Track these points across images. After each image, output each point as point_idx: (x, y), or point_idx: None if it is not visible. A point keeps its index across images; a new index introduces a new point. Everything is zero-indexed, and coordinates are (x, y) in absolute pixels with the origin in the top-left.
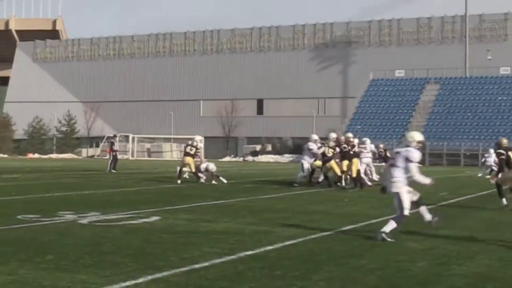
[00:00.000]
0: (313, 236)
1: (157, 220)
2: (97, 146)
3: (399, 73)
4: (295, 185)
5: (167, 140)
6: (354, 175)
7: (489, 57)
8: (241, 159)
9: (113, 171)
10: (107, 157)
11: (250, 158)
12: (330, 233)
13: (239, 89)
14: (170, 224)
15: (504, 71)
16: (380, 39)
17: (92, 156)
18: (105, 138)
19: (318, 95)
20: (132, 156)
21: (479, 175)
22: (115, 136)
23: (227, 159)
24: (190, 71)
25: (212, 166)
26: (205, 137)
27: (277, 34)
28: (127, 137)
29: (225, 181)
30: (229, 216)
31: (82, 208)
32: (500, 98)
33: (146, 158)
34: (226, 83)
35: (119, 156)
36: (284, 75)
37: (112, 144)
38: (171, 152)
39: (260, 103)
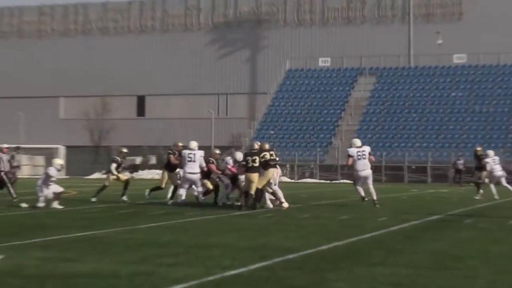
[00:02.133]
0: (210, 278)
1: (0, 259)
2: None
3: (324, 62)
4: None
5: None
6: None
7: (440, 41)
8: (115, 175)
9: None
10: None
11: (127, 174)
12: (234, 273)
13: (113, 82)
14: (18, 264)
15: (458, 59)
16: (299, 18)
17: None
18: None
19: (218, 90)
20: None
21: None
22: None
23: (96, 175)
24: (46, 57)
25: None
26: (67, 147)
27: (163, 9)
28: None
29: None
30: (100, 253)
31: None
32: (454, 94)
33: None
34: (95, 74)
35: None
36: (172, 65)
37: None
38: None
39: (140, 101)
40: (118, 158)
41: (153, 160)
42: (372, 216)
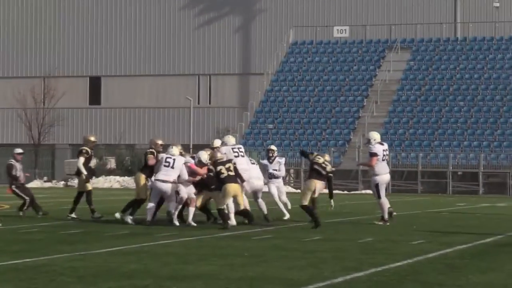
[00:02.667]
0: None
1: None
2: None
3: (341, 32)
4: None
5: None
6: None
7: (496, 4)
8: (62, 183)
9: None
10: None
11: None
12: None
13: (58, 59)
14: None
15: None
16: None
17: None
18: None
19: (199, 69)
20: None
21: None
22: None
23: (35, 183)
24: None
25: None
26: None
27: None
28: None
29: None
30: (42, 286)
31: None
32: None
33: None
34: (34, 48)
35: None
36: (137, 36)
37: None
38: None
39: (94, 83)
40: (88, 149)
41: (111, 163)
42: (404, 238)
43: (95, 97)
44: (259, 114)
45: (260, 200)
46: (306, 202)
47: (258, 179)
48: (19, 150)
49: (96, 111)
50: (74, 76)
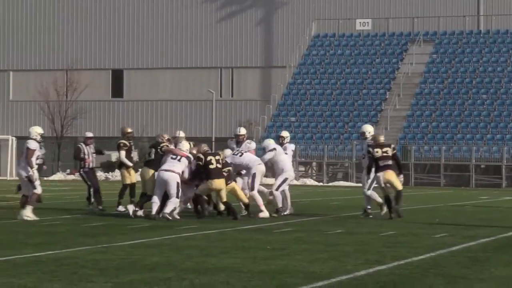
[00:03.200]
0: None
1: None
2: None
3: (363, 25)
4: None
5: None
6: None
7: None
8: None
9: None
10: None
11: (101, 174)
12: None
13: (80, 51)
14: None
15: None
16: None
17: None
18: None
19: (221, 62)
20: None
21: None
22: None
23: (58, 176)
24: None
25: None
26: (19, 138)
27: None
28: None
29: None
30: (64, 278)
31: None
32: None
33: None
34: (57, 40)
35: None
36: (159, 28)
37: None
38: None
39: (117, 76)
40: (125, 142)
41: (134, 156)
42: (426, 231)
43: (117, 90)
44: (282, 107)
45: (279, 193)
46: (400, 186)
47: (292, 170)
48: (89, 134)
49: (118, 104)
50: (97, 69)
